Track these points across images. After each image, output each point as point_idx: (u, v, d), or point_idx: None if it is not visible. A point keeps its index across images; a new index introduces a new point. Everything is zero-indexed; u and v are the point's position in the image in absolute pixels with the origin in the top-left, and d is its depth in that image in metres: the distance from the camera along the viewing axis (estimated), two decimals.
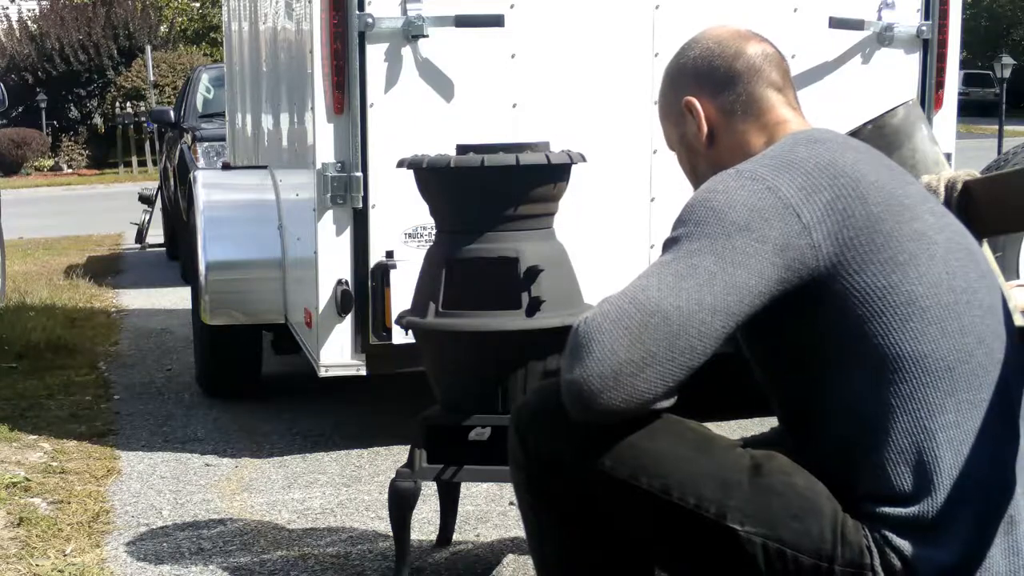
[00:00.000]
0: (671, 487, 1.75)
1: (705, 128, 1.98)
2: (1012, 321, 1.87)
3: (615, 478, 1.77)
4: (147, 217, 11.64)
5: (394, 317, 3.38)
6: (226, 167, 6.48)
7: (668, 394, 1.72)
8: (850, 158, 1.81)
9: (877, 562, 1.70)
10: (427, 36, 3.83)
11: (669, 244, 1.78)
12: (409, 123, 3.87)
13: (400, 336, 3.63)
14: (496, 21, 3.84)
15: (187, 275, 6.66)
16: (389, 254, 3.89)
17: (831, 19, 4.07)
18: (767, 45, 2.03)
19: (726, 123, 1.97)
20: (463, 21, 3.83)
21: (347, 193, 3.85)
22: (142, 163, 25.43)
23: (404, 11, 3.82)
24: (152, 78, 25.18)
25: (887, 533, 1.71)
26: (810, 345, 1.78)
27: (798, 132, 1.93)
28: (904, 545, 1.70)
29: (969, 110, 28.56)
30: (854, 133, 2.47)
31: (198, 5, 32.67)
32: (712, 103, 1.98)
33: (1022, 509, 1.77)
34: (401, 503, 2.87)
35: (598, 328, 1.68)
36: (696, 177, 2.02)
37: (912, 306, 1.72)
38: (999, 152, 17.01)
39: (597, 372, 1.67)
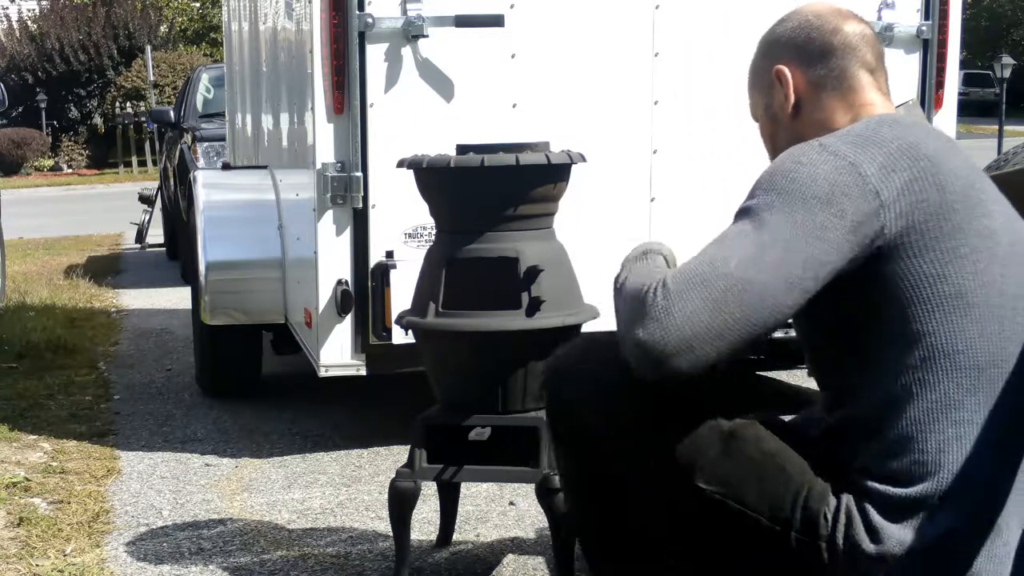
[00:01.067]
0: (655, 441, 1.85)
1: (792, 98, 1.99)
2: None
3: (612, 427, 1.88)
4: (147, 217, 11.64)
5: (394, 317, 3.37)
6: (226, 167, 6.48)
7: (731, 357, 1.74)
8: (933, 144, 1.82)
9: (840, 533, 1.73)
10: (427, 36, 3.83)
11: (749, 211, 1.78)
12: (409, 123, 3.87)
13: (400, 336, 3.63)
14: (496, 21, 3.84)
15: (187, 275, 6.66)
16: (389, 254, 3.89)
17: None
18: (866, 26, 2.02)
19: (814, 96, 1.98)
20: (463, 21, 3.82)
21: (347, 193, 3.85)
22: (142, 163, 25.42)
23: (404, 11, 3.82)
24: (152, 78, 25.16)
25: (868, 507, 1.73)
26: (853, 318, 1.80)
27: (884, 114, 1.93)
28: (881, 523, 1.72)
29: (969, 110, 28.58)
30: None
31: (198, 5, 32.67)
32: (804, 75, 1.98)
33: (1011, 521, 1.78)
34: (401, 503, 2.87)
35: (680, 293, 1.70)
36: (774, 148, 2.02)
37: (959, 300, 1.75)
38: (999, 152, 17.00)
39: (676, 336, 1.68)
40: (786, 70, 1.98)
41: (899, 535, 1.72)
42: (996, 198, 1.86)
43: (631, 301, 1.75)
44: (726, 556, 1.87)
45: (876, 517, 1.73)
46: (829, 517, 1.74)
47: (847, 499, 1.75)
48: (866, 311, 1.79)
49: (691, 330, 1.68)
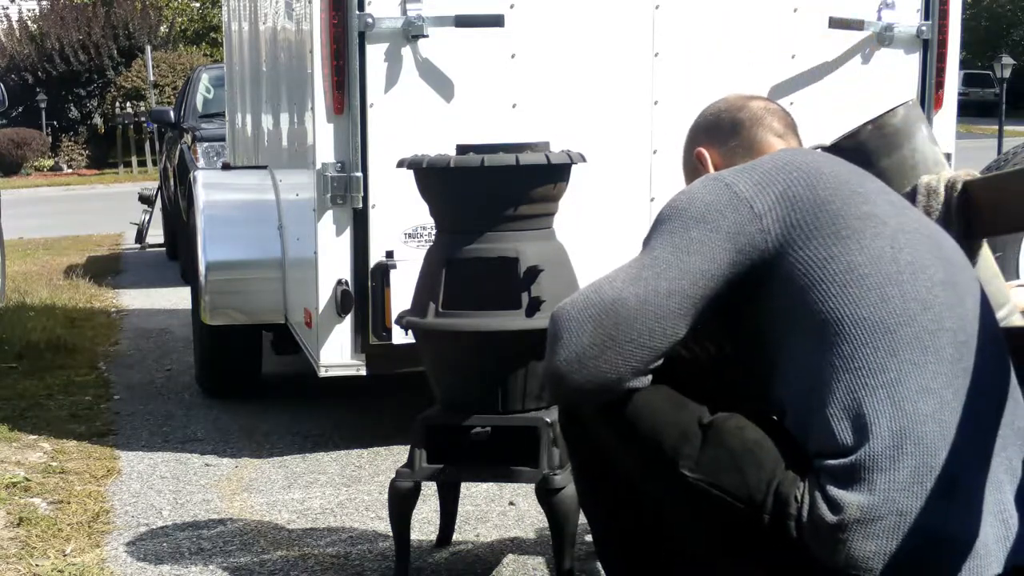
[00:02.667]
0: (640, 431, 1.96)
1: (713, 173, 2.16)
2: (988, 308, 1.96)
3: (605, 416, 1.99)
4: (147, 217, 11.64)
5: (394, 317, 3.38)
6: (226, 167, 6.48)
7: (636, 373, 1.92)
8: (809, 159, 2.00)
9: (805, 511, 1.82)
10: (427, 36, 3.83)
11: (643, 243, 2.01)
12: (409, 123, 3.87)
13: (400, 336, 3.63)
14: (496, 21, 3.84)
15: (187, 275, 6.66)
16: (389, 254, 3.89)
17: (831, 19, 4.07)
18: (770, 102, 2.30)
19: (732, 165, 2.15)
20: (463, 21, 3.83)
21: (347, 193, 3.86)
22: (142, 163, 25.41)
23: (404, 11, 3.82)
24: (152, 78, 25.15)
25: (827, 485, 1.82)
26: (764, 321, 1.94)
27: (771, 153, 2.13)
28: (838, 493, 1.80)
29: (969, 110, 28.56)
30: (854, 133, 2.47)
31: (198, 5, 32.66)
32: (718, 151, 2.24)
33: (986, 479, 1.84)
34: (401, 503, 2.88)
35: (566, 316, 1.93)
36: None
37: (851, 274, 1.87)
38: (999, 152, 17.00)
39: (564, 357, 1.91)
40: (704, 151, 2.26)
41: (855, 499, 1.79)
42: (880, 191, 2.00)
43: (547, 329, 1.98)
44: (710, 540, 1.96)
45: (833, 490, 1.80)
46: (798, 498, 1.83)
47: (809, 480, 1.84)
48: (775, 313, 1.92)
49: (574, 349, 1.90)
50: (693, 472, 1.91)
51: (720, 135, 2.25)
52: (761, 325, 1.95)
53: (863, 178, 2.01)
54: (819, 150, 2.25)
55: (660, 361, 1.94)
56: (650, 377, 1.94)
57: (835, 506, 1.79)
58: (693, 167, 2.28)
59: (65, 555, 3.23)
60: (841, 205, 1.91)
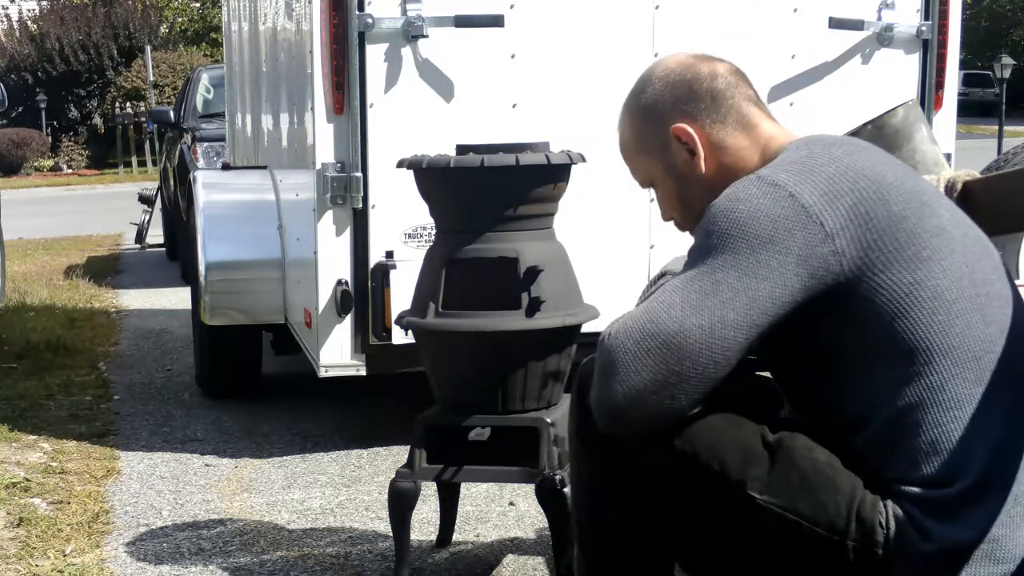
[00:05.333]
0: (699, 452, 1.81)
1: (702, 151, 1.97)
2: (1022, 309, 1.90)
3: (655, 441, 1.83)
4: (147, 217, 11.64)
5: (394, 317, 3.37)
6: (226, 167, 6.48)
7: (694, 405, 1.77)
8: (867, 160, 1.83)
9: (892, 537, 1.73)
10: (427, 36, 3.83)
11: (693, 255, 1.81)
12: (409, 123, 3.87)
13: (400, 336, 3.63)
14: (496, 21, 3.84)
15: (187, 275, 6.66)
16: (389, 254, 3.89)
17: (831, 19, 4.07)
18: (728, 63, 2.03)
19: (719, 142, 1.97)
20: (463, 21, 3.82)
21: (347, 193, 3.85)
22: (142, 163, 25.40)
23: (404, 11, 3.82)
24: (152, 78, 25.15)
25: (913, 512, 1.74)
26: (837, 348, 1.81)
27: (805, 138, 1.93)
28: (929, 524, 1.73)
29: (969, 110, 28.56)
30: (854, 133, 2.47)
31: (198, 5, 32.66)
32: (701, 125, 1.97)
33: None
34: (401, 503, 2.87)
35: (622, 348, 1.75)
36: (688, 207, 2.01)
37: (938, 300, 1.76)
38: (999, 152, 17.00)
39: (623, 393, 1.74)
40: (686, 127, 1.97)
41: (947, 532, 1.73)
42: (936, 195, 1.88)
43: (597, 351, 1.80)
44: (776, 568, 1.85)
45: (923, 519, 1.74)
46: (883, 524, 1.75)
47: (892, 506, 1.76)
48: (852, 341, 1.79)
49: (635, 386, 1.73)
50: (763, 495, 1.78)
51: (697, 107, 1.97)
52: (832, 345, 1.82)
53: (919, 181, 1.88)
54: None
55: None
56: (703, 403, 1.81)
57: (926, 535, 1.73)
58: (660, 146, 2.00)
59: (65, 555, 3.23)
60: (916, 221, 1.77)
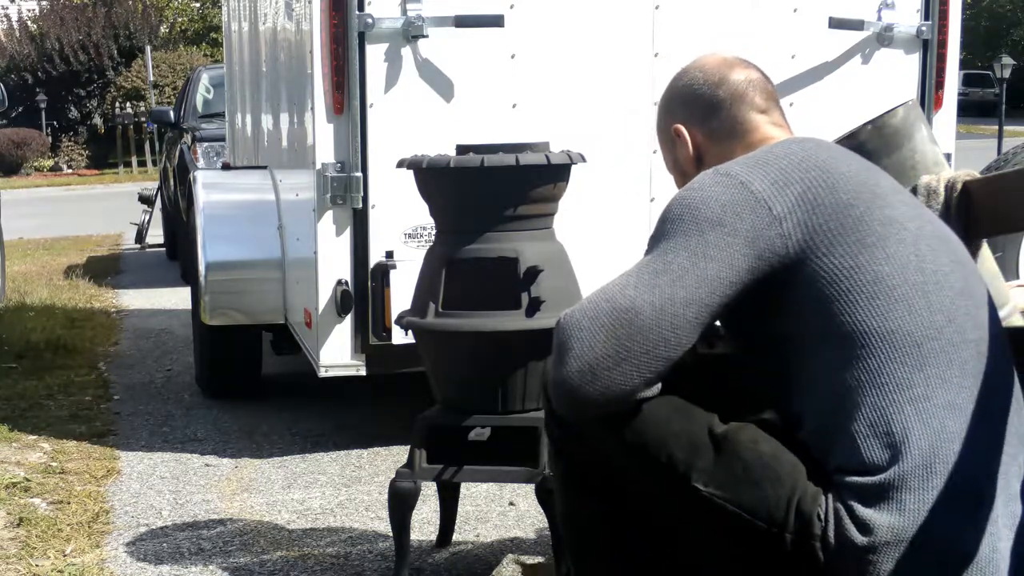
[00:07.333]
0: (648, 443, 1.86)
1: (692, 153, 2.10)
2: (995, 312, 1.91)
3: (609, 426, 1.88)
4: (147, 217, 11.64)
5: (394, 317, 3.38)
6: (226, 167, 6.48)
7: (648, 384, 1.82)
8: (824, 154, 1.91)
9: (831, 531, 1.75)
10: (427, 36, 3.83)
11: (651, 242, 1.89)
12: (409, 123, 3.87)
13: (400, 336, 3.63)
14: (496, 21, 3.84)
15: (187, 275, 6.66)
16: (389, 254, 3.89)
17: (831, 19, 4.07)
18: (752, 71, 2.12)
19: (714, 147, 2.08)
20: (463, 21, 3.83)
21: (347, 193, 3.85)
22: (142, 163, 25.40)
23: (404, 11, 3.82)
24: (152, 78, 25.15)
25: (853, 503, 1.75)
26: (784, 329, 1.86)
27: (783, 139, 2.01)
28: (867, 513, 1.74)
29: (969, 110, 28.56)
30: (854, 133, 2.47)
31: (198, 5, 32.64)
32: (698, 129, 2.10)
33: (998, 490, 1.79)
34: (401, 503, 2.87)
35: (576, 325, 1.82)
36: None
37: (878, 284, 1.80)
38: (999, 152, 17.00)
39: (575, 368, 1.80)
40: (682, 128, 2.11)
41: (885, 521, 1.73)
42: (896, 190, 1.93)
43: (553, 337, 1.86)
44: (721, 558, 1.88)
45: (861, 509, 1.74)
46: (822, 517, 1.76)
47: (832, 498, 1.77)
48: (797, 322, 1.83)
49: (587, 361, 1.78)
50: (707, 486, 1.82)
51: (698, 113, 2.09)
52: (778, 332, 1.86)
53: (877, 175, 1.93)
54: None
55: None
56: (659, 386, 1.86)
57: (863, 527, 1.73)
58: (670, 140, 2.14)
59: (65, 555, 3.23)
60: (864, 209, 1.82)
